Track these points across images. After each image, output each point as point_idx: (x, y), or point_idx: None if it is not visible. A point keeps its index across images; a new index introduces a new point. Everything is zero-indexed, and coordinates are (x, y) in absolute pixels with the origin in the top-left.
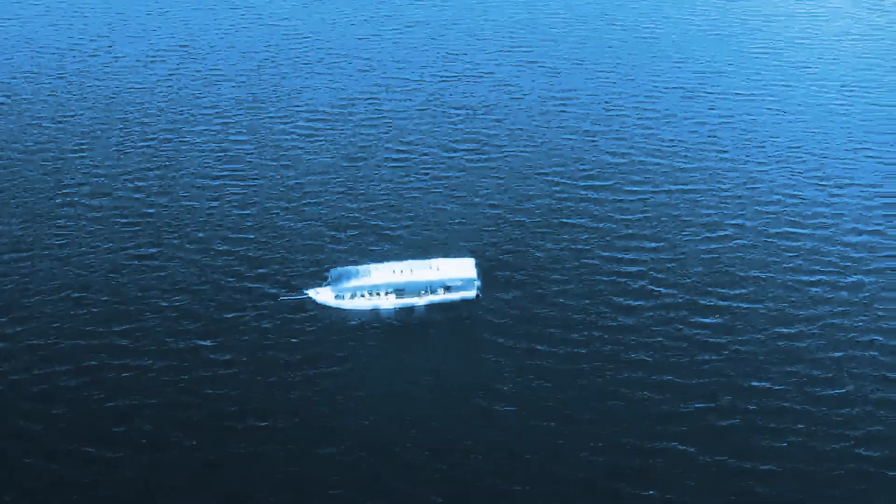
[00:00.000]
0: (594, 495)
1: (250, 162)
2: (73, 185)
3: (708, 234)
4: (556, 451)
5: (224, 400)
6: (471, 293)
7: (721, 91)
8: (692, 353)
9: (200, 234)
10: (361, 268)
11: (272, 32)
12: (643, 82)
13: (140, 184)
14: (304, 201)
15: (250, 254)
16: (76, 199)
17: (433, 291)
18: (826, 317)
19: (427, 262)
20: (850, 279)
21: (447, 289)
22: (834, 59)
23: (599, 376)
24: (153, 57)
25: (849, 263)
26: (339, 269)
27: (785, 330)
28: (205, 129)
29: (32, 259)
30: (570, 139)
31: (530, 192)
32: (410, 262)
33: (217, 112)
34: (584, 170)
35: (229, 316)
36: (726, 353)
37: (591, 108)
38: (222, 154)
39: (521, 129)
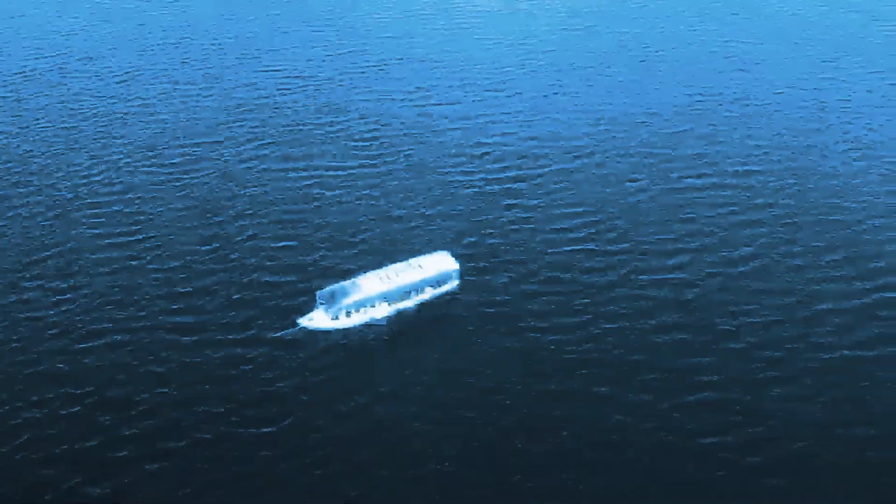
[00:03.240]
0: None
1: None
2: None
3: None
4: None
5: (299, 466)
6: (455, 285)
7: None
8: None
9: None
10: (348, 283)
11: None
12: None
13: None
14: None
15: (226, 299)
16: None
17: (421, 291)
18: (765, 250)
19: (407, 263)
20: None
21: (433, 285)
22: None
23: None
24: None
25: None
26: (328, 290)
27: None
28: (152, 170)
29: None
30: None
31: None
32: (391, 266)
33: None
34: (500, 158)
35: (234, 372)
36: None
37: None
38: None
39: (413, 129)
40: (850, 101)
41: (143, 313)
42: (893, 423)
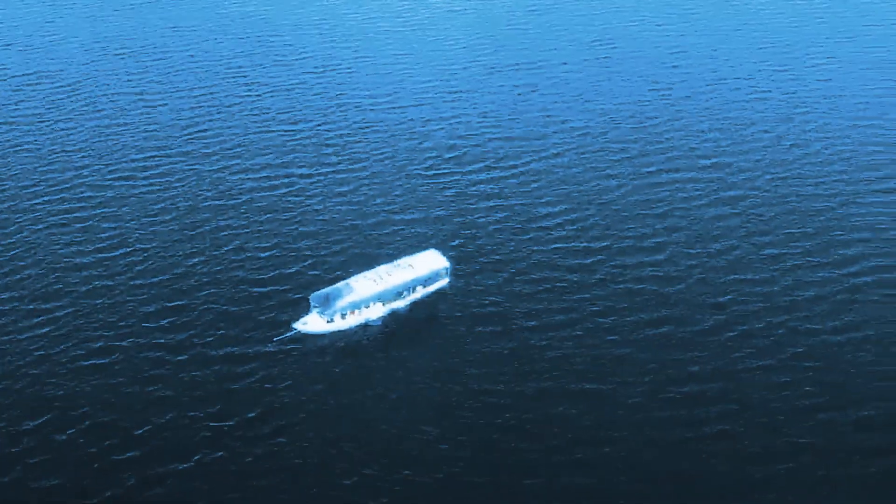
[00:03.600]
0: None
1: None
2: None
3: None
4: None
5: (327, 470)
6: (445, 282)
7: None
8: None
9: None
10: (342, 285)
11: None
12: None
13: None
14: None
15: (216, 311)
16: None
17: (414, 290)
18: (741, 236)
19: (397, 263)
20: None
21: (425, 284)
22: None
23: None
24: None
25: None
26: (322, 292)
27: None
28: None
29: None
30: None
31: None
32: (382, 267)
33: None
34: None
35: (235, 386)
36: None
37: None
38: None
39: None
40: (812, 90)
41: (130, 330)
42: (874, 405)
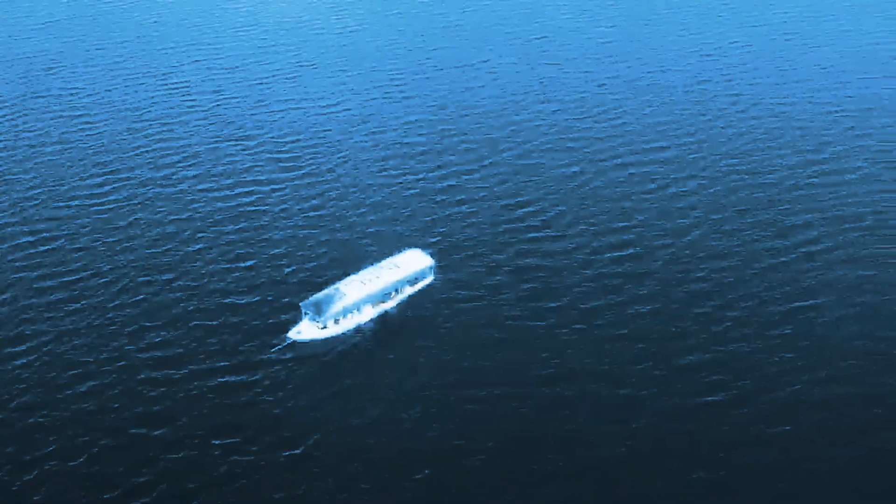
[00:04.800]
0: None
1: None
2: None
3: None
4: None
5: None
6: (429, 280)
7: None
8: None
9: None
10: (332, 290)
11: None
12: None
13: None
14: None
15: (203, 328)
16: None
17: (401, 290)
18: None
19: (383, 264)
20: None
21: (411, 283)
22: None
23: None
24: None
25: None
26: (313, 299)
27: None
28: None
29: None
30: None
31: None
32: (368, 269)
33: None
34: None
35: (243, 398)
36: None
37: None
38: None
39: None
40: (742, 73)
41: (117, 354)
42: (844, 362)
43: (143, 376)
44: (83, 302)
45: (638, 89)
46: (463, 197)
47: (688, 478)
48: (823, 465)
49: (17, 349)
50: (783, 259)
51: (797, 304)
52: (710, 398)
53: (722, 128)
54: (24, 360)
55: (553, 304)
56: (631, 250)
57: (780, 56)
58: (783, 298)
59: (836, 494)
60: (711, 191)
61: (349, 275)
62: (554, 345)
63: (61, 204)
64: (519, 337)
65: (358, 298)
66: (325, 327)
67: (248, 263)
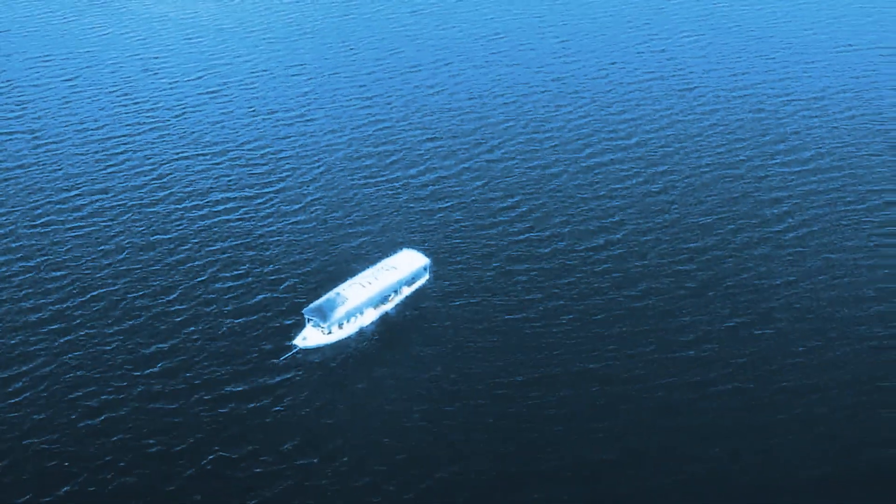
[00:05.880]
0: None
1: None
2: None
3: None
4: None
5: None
6: (425, 279)
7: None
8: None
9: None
10: (334, 295)
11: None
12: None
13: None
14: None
15: (207, 344)
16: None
17: (400, 290)
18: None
19: (380, 266)
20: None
21: (409, 283)
22: None
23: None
24: None
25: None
26: (315, 305)
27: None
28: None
29: None
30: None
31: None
32: (366, 272)
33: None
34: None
35: (257, 422)
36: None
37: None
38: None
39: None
40: (696, 64)
41: (120, 372)
42: (836, 332)
43: (148, 399)
44: (78, 324)
45: (596, 85)
46: (448, 200)
47: (684, 475)
48: (823, 456)
49: (10, 387)
50: (772, 246)
51: (792, 291)
52: (706, 392)
53: (689, 121)
54: (22, 397)
55: (549, 302)
56: (621, 246)
57: (729, 46)
58: (774, 288)
59: (837, 487)
60: (686, 182)
61: (345, 279)
62: (552, 344)
63: (35, 224)
64: (516, 338)
65: (360, 302)
66: (329, 332)
67: (242, 271)
